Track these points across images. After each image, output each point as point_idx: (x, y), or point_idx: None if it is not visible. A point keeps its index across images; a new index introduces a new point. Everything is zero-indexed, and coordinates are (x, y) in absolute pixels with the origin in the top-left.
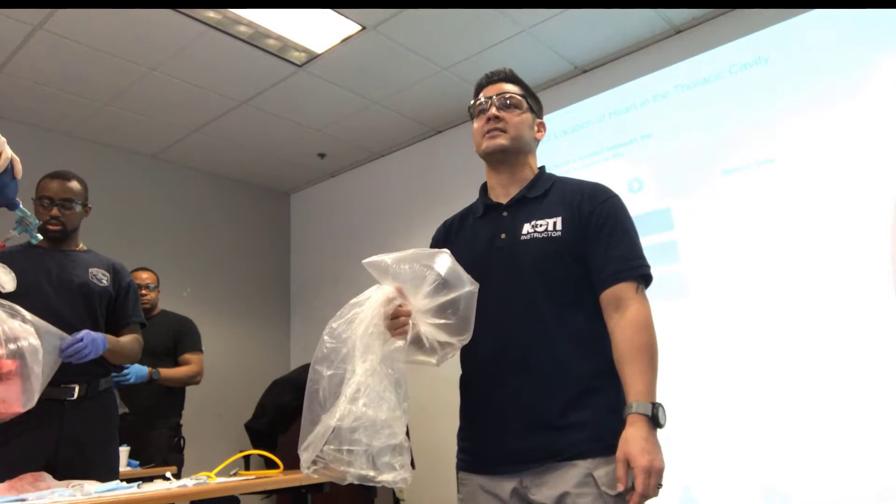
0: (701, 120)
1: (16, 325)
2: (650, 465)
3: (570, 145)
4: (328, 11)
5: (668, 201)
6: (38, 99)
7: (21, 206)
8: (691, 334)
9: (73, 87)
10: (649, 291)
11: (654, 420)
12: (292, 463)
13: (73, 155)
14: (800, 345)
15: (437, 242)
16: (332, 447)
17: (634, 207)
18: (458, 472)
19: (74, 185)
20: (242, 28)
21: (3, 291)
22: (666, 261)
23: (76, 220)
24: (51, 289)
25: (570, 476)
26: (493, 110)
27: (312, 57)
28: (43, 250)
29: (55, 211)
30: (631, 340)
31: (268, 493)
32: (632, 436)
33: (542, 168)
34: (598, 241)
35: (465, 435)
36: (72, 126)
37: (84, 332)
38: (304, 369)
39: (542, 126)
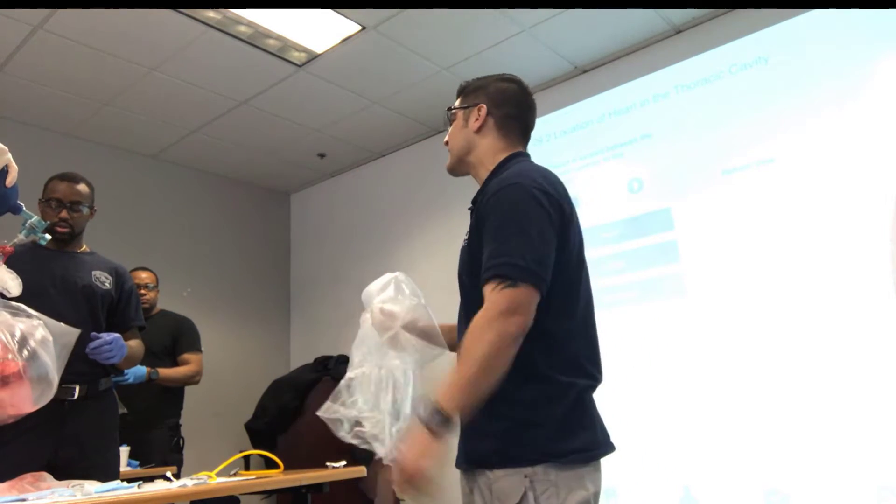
0: (701, 120)
1: (21, 324)
2: (400, 460)
3: (570, 145)
4: (328, 11)
5: (668, 201)
6: (38, 99)
7: (25, 209)
8: (691, 334)
9: (73, 87)
10: (650, 291)
11: (427, 420)
12: (292, 463)
13: (73, 155)
14: (800, 345)
15: None
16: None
17: (634, 207)
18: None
19: (83, 187)
20: (242, 28)
21: (9, 296)
22: (666, 261)
23: (83, 223)
24: (54, 290)
25: (481, 485)
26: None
27: (312, 57)
28: (48, 252)
29: (64, 213)
30: (464, 344)
31: (268, 493)
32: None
33: (501, 161)
34: (483, 241)
35: None
36: (72, 126)
37: (115, 336)
38: (304, 369)
39: (479, 110)
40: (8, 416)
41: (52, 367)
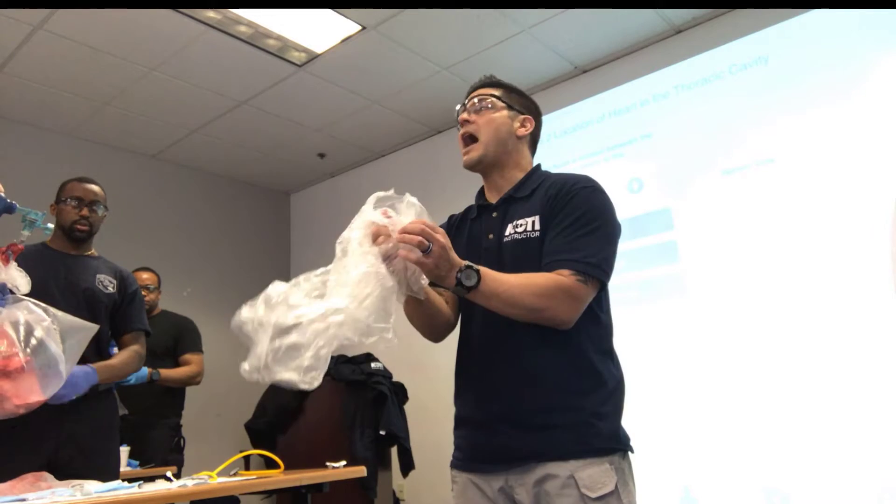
0: (701, 120)
1: (25, 315)
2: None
3: (570, 145)
4: (328, 11)
5: (668, 201)
6: (38, 99)
7: (18, 206)
8: (691, 334)
9: (73, 87)
10: (650, 291)
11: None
12: (292, 463)
13: (73, 155)
14: (800, 345)
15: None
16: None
17: (634, 207)
18: (451, 470)
19: (99, 189)
20: (242, 28)
21: (17, 293)
22: (666, 261)
23: (99, 223)
24: (57, 292)
25: (551, 477)
26: (464, 114)
27: (312, 57)
28: (56, 253)
29: (84, 211)
30: (526, 276)
31: (268, 493)
32: None
33: (536, 166)
34: (553, 228)
35: (457, 433)
36: (72, 126)
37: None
38: None
39: (527, 121)
40: (15, 406)
41: (60, 355)
